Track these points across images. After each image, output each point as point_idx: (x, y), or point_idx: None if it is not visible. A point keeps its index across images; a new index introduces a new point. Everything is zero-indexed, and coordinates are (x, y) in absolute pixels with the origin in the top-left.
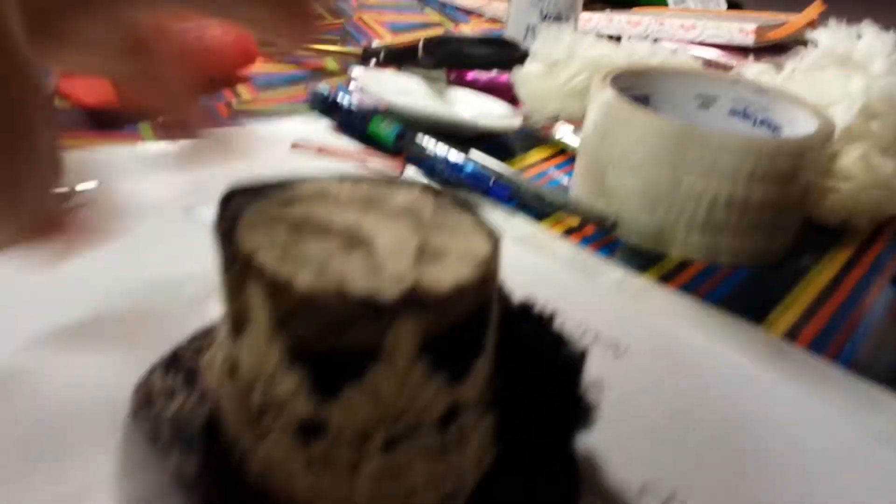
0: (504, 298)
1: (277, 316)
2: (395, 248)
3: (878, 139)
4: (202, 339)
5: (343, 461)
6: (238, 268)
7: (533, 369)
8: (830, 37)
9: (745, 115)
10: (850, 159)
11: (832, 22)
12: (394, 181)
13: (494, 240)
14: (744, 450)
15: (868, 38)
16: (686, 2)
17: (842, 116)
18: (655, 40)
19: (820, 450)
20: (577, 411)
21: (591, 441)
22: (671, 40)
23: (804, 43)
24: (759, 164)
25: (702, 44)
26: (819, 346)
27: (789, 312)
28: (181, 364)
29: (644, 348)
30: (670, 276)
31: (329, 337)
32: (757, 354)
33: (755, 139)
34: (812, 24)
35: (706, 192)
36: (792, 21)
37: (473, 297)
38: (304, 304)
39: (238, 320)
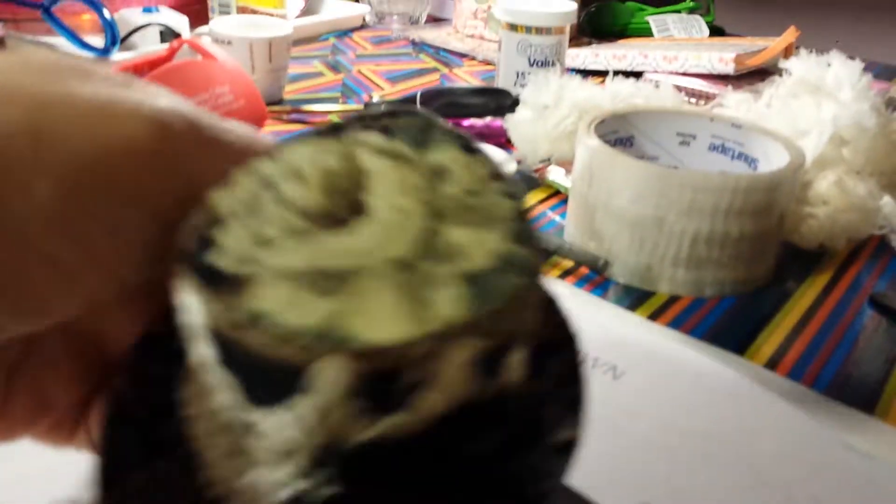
0: None
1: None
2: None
3: (850, 164)
4: None
5: None
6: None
7: None
8: (802, 65)
9: (723, 149)
10: (825, 185)
11: (803, 51)
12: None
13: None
14: (728, 462)
15: (836, 67)
16: (669, 30)
17: (814, 145)
18: (639, 74)
19: (799, 458)
20: None
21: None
22: (655, 72)
23: (780, 72)
24: (735, 200)
25: (684, 74)
26: (797, 373)
27: (772, 339)
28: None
29: (639, 372)
30: (659, 312)
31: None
32: (740, 383)
33: (730, 177)
34: (789, 49)
35: (688, 229)
36: (769, 48)
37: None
38: None
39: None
